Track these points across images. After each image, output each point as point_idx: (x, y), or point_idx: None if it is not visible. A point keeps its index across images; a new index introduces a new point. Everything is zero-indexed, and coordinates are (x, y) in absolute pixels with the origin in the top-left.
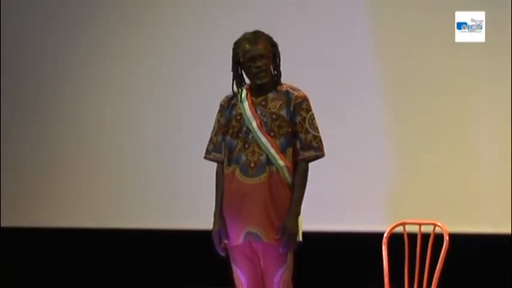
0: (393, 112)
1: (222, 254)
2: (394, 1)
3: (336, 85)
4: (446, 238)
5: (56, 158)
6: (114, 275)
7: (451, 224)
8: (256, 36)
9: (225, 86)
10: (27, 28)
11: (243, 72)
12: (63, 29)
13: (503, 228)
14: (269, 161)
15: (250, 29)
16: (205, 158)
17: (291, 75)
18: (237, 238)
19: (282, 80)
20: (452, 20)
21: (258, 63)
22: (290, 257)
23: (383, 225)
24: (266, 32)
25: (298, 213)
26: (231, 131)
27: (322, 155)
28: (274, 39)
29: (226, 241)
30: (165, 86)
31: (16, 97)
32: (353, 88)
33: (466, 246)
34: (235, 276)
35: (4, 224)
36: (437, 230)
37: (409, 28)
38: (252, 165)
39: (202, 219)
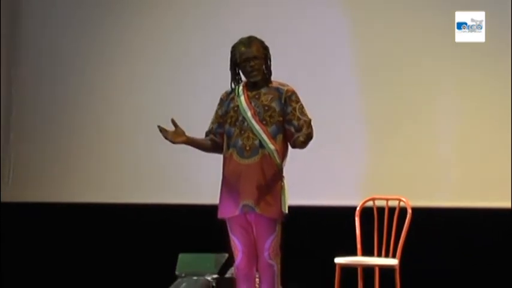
0: (369, 102)
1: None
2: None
3: (319, 80)
4: (409, 211)
5: (69, 138)
6: (123, 245)
7: (414, 199)
8: (250, 40)
9: (222, 82)
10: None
11: (239, 71)
12: (78, 30)
13: (458, 203)
14: (261, 145)
15: (242, 32)
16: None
17: (276, 67)
18: (234, 210)
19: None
20: (452, 20)
21: (252, 63)
22: (278, 227)
23: (356, 200)
24: (259, 31)
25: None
26: (229, 120)
27: (312, 136)
28: (266, 40)
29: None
30: (169, 82)
31: (35, 81)
32: (336, 83)
33: (427, 218)
34: (232, 243)
35: (16, 199)
36: (402, 204)
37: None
38: (247, 148)
39: (207, 194)
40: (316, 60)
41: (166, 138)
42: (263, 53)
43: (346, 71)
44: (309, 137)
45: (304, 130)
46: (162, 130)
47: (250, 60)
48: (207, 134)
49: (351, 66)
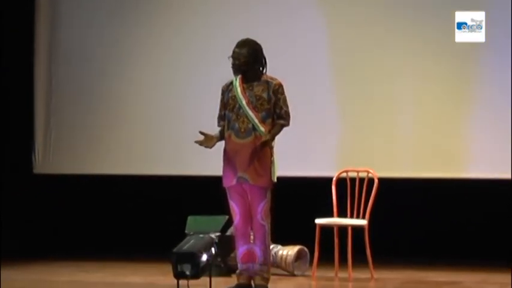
0: (343, 86)
1: (198, 143)
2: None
3: (305, 68)
4: (376, 181)
5: (99, 124)
6: (144, 210)
7: (381, 170)
8: (244, 43)
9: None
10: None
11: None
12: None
13: (417, 174)
14: (254, 128)
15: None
16: (218, 126)
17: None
18: (231, 180)
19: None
20: (452, 20)
21: (234, 62)
22: (269, 194)
23: (332, 171)
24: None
25: (272, 138)
26: (228, 107)
27: (288, 125)
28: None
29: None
30: (182, 72)
31: (72, 74)
32: (314, 68)
33: (391, 186)
34: (231, 208)
35: (55, 172)
36: (370, 175)
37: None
38: (242, 130)
39: (210, 167)
40: (297, 48)
41: (201, 145)
42: (251, 54)
43: (324, 58)
44: (284, 126)
45: (282, 121)
46: (198, 142)
47: (235, 59)
48: (218, 121)
49: (329, 59)
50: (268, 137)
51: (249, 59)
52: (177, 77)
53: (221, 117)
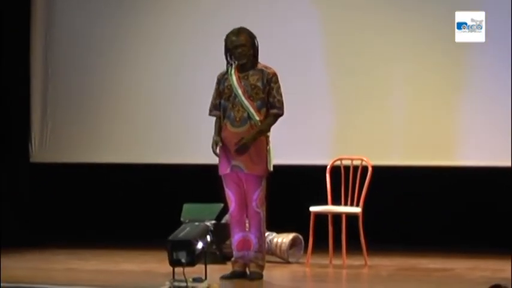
0: (337, 76)
1: (216, 155)
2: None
3: (297, 55)
4: (370, 169)
5: (96, 111)
6: (140, 198)
7: (374, 158)
8: (239, 31)
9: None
10: None
11: (231, 56)
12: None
13: (409, 162)
14: (249, 117)
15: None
16: (209, 115)
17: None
18: (226, 168)
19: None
20: (452, 20)
21: (240, 50)
22: (264, 182)
23: (327, 160)
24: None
25: (256, 137)
26: (224, 96)
27: (282, 114)
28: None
29: (219, 146)
30: (179, 63)
31: (68, 64)
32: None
33: (384, 174)
34: (227, 195)
35: (51, 160)
36: (364, 163)
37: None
38: (237, 119)
39: (206, 155)
40: (291, 38)
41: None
42: (250, 41)
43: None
44: (278, 115)
45: (276, 110)
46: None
47: (239, 47)
48: (211, 110)
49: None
50: (245, 141)
51: (250, 44)
52: (173, 67)
53: (214, 106)
